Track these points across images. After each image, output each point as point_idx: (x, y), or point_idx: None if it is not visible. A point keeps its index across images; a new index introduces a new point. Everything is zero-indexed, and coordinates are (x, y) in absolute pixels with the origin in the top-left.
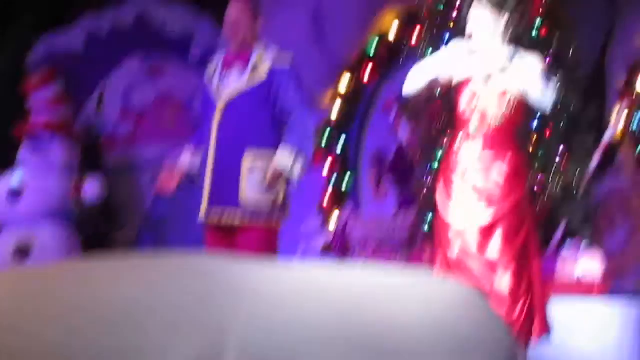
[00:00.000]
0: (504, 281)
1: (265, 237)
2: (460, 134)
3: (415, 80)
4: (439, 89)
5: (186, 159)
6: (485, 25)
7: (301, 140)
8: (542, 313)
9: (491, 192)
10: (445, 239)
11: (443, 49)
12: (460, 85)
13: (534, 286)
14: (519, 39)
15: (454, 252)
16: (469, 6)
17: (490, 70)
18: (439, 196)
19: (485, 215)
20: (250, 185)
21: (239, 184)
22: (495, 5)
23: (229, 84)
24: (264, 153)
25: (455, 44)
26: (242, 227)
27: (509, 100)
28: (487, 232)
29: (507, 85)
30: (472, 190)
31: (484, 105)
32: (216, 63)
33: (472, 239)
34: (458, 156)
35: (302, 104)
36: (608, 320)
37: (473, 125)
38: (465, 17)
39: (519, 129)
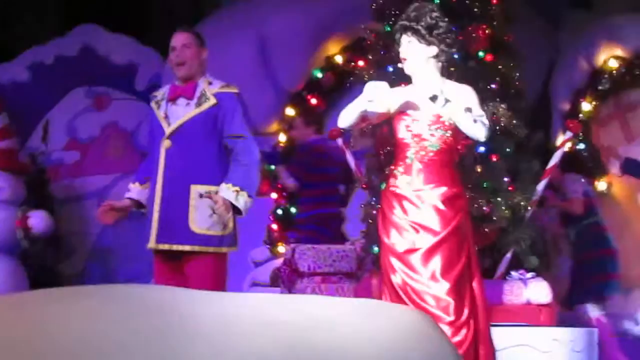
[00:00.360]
0: (446, 307)
1: (214, 264)
2: (401, 161)
3: (345, 117)
4: (375, 121)
5: (132, 192)
6: (414, 54)
7: (248, 169)
8: (487, 339)
9: (430, 218)
10: (389, 264)
11: (366, 87)
12: (398, 115)
13: (477, 311)
14: (450, 68)
15: (398, 277)
16: (400, 34)
17: (423, 99)
18: (381, 222)
19: (424, 241)
20: (199, 213)
21: (188, 212)
22: (421, 36)
23: (176, 114)
24: (212, 181)
25: (374, 84)
26: (191, 254)
27: (444, 125)
28: (427, 258)
29: (440, 112)
30: (411, 215)
31: (419, 132)
32: (163, 93)
33: (413, 265)
34: (398, 182)
35: (248, 131)
36: (555, 347)
37: (411, 152)
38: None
39: (456, 153)
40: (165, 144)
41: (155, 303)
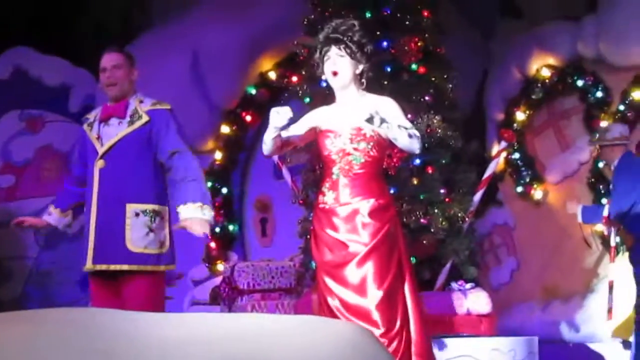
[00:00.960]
0: (376, 319)
1: (151, 283)
2: (327, 177)
3: (265, 147)
4: (300, 143)
5: (52, 217)
6: (345, 68)
7: (198, 182)
8: (425, 350)
9: (358, 231)
10: (324, 285)
11: (270, 113)
12: (321, 131)
13: (412, 321)
14: (383, 81)
15: (335, 300)
16: (323, 50)
17: (345, 114)
18: (313, 241)
19: (354, 254)
20: (135, 232)
21: (124, 231)
22: (352, 52)
23: (109, 134)
24: (148, 199)
25: (276, 109)
26: (129, 274)
27: (366, 138)
28: (357, 269)
29: (361, 125)
30: (341, 231)
31: (342, 147)
32: (95, 115)
33: (345, 278)
34: (326, 199)
35: (185, 145)
36: (497, 357)
37: (336, 167)
38: (322, 60)
39: (381, 164)
40: (99, 164)
41: (94, 326)
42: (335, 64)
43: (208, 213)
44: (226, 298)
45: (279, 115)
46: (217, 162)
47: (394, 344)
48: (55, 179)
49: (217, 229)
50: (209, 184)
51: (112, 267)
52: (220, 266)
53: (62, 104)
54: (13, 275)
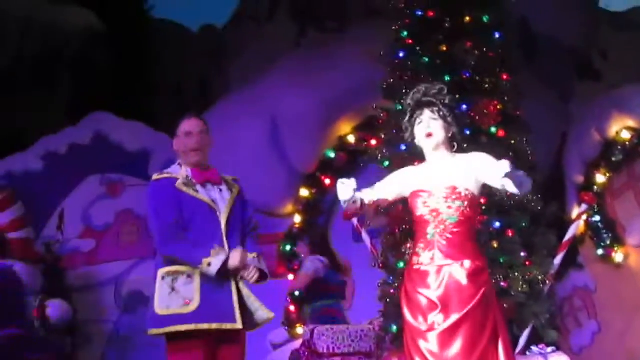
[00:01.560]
0: None
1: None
2: (421, 238)
3: (341, 196)
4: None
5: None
6: (439, 130)
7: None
8: None
9: (452, 294)
10: (413, 346)
11: (338, 184)
12: (413, 192)
13: None
14: (463, 145)
15: (419, 357)
16: (415, 113)
17: (440, 175)
18: (405, 302)
19: (445, 319)
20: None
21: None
22: (444, 116)
23: (217, 198)
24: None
25: (341, 181)
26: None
27: (460, 196)
28: (448, 337)
29: (455, 184)
30: (433, 296)
31: (436, 206)
32: (186, 176)
33: (436, 344)
34: (421, 259)
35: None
36: None
37: (430, 227)
38: (410, 128)
39: (475, 227)
40: (225, 227)
41: None
42: (429, 126)
43: (264, 263)
44: None
45: (343, 186)
46: (296, 226)
47: None
48: (135, 243)
49: (297, 292)
50: (288, 247)
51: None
52: (299, 329)
53: (142, 168)
54: (93, 339)
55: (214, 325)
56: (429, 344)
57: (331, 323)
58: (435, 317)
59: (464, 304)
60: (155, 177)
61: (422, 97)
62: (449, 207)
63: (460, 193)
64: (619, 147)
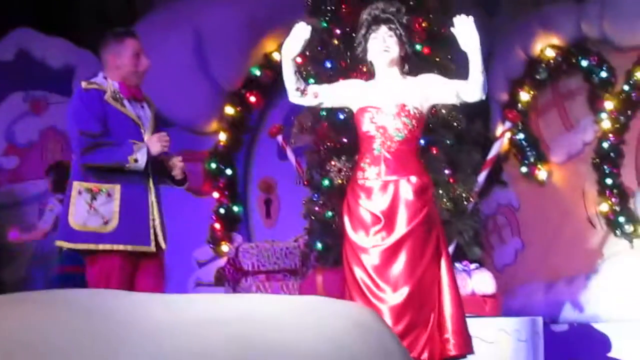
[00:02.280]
0: (410, 298)
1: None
2: (367, 153)
3: (289, 84)
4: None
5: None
6: (394, 48)
7: None
8: (460, 326)
9: (398, 209)
10: (355, 259)
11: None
12: (360, 108)
13: (449, 299)
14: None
15: (362, 272)
16: (371, 28)
17: (391, 92)
18: (347, 216)
19: (390, 235)
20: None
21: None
22: (399, 34)
23: (142, 115)
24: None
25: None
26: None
27: (409, 114)
28: (393, 251)
29: (405, 101)
30: (377, 211)
31: (384, 123)
32: (109, 88)
33: (380, 259)
34: (366, 174)
35: None
36: (501, 337)
37: (377, 143)
38: (363, 43)
39: (418, 142)
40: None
41: (97, 307)
42: (385, 41)
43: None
44: (231, 279)
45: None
46: (221, 143)
47: (428, 326)
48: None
49: (222, 210)
50: (213, 165)
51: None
52: (224, 247)
53: (65, 85)
54: (16, 257)
55: (129, 247)
56: (372, 258)
57: None
58: (379, 231)
59: (410, 219)
60: (84, 85)
61: (380, 13)
62: (397, 125)
63: (409, 111)
64: (544, 65)
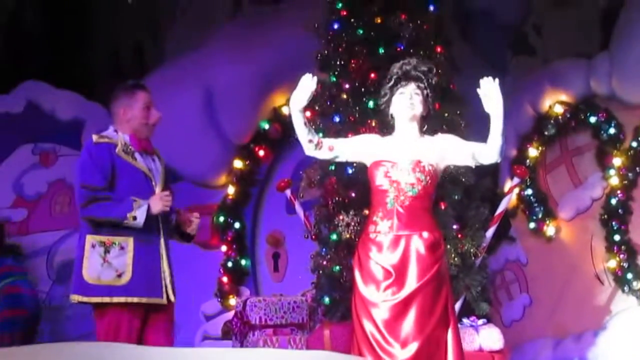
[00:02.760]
0: (417, 355)
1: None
2: (380, 207)
3: (299, 138)
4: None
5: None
6: (418, 106)
7: None
8: None
9: (409, 264)
10: (364, 312)
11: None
12: (375, 162)
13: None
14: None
15: (371, 325)
16: (400, 83)
17: (408, 147)
18: (357, 270)
19: (400, 290)
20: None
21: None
22: (426, 94)
23: (153, 168)
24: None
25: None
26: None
27: (424, 171)
28: (404, 306)
29: (421, 158)
30: (389, 265)
31: (398, 178)
32: (119, 142)
33: (390, 314)
34: (379, 228)
35: None
36: None
37: (390, 197)
38: (389, 95)
39: (432, 199)
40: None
41: (103, 357)
42: (411, 98)
43: None
44: (238, 333)
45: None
46: (230, 197)
47: None
48: (67, 213)
49: (230, 264)
50: (222, 218)
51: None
52: (232, 301)
53: (74, 137)
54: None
55: (144, 300)
56: (382, 313)
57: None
58: (390, 286)
59: (421, 274)
60: (95, 139)
61: (411, 69)
62: (411, 180)
63: (424, 167)
64: (552, 122)
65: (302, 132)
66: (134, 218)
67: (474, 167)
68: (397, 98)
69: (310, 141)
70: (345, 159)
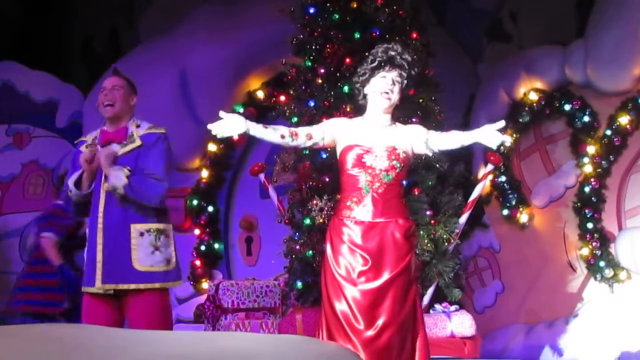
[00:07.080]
0: (391, 342)
1: (159, 300)
2: (354, 192)
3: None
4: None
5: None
6: (396, 94)
7: (149, 183)
8: None
9: (385, 250)
10: (335, 292)
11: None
12: (347, 146)
13: (418, 344)
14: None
15: (344, 305)
16: (382, 66)
17: (382, 134)
18: (329, 251)
19: (379, 275)
20: (142, 251)
21: (131, 252)
22: (404, 82)
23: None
24: (149, 219)
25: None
26: (137, 292)
27: (398, 158)
28: (380, 292)
29: (395, 144)
30: (364, 251)
31: (372, 163)
32: (93, 138)
33: (366, 299)
34: (354, 213)
35: (162, 174)
36: None
37: (363, 183)
38: (368, 75)
39: (403, 188)
40: (105, 187)
41: (75, 342)
42: (389, 84)
43: (122, 174)
44: (210, 316)
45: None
46: (204, 180)
47: None
48: (41, 194)
49: (203, 247)
50: (195, 202)
51: (120, 286)
52: (204, 284)
53: (49, 119)
54: None
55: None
56: (357, 296)
57: None
58: (365, 272)
59: (399, 260)
60: (76, 141)
61: (396, 56)
62: (387, 166)
63: (399, 154)
64: (527, 109)
65: (269, 136)
66: (70, 191)
67: (431, 155)
68: (377, 80)
69: (283, 136)
70: (323, 144)
